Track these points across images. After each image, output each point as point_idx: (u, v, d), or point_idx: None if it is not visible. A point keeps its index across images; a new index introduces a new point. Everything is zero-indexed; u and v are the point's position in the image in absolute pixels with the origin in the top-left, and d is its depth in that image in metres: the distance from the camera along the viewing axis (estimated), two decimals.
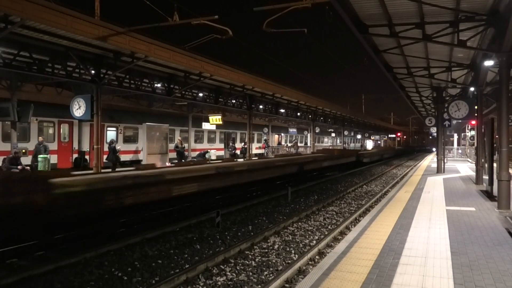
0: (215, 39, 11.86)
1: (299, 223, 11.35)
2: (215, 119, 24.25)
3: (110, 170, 14.48)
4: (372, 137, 70.65)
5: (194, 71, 16.44)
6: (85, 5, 14.77)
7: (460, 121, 23.98)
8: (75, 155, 18.98)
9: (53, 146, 18.12)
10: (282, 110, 30.39)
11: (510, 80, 10.20)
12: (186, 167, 14.96)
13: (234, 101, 24.18)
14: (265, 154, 33.15)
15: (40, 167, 15.24)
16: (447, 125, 20.77)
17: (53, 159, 17.36)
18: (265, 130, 37.14)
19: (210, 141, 29.87)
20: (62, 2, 10.32)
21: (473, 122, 20.69)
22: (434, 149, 47.49)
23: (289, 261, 7.88)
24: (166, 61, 14.09)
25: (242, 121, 30.39)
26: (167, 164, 19.62)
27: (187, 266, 7.52)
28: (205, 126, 27.27)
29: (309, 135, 42.91)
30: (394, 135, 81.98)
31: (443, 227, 7.42)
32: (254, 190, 17.73)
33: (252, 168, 18.15)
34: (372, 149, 57.06)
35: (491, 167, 11.04)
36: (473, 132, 26.74)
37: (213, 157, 24.61)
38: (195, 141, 27.87)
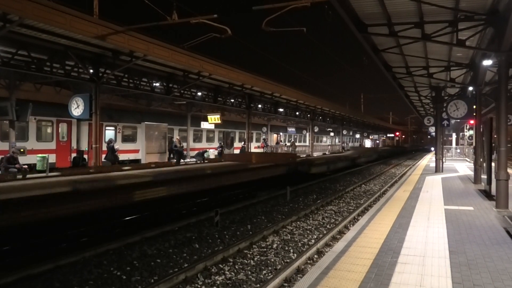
0: (214, 38, 11.85)
1: (298, 222, 11.35)
2: (214, 118, 24.26)
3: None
4: (370, 136, 70.63)
5: (193, 70, 16.45)
6: (84, 4, 14.77)
7: (458, 120, 24.01)
8: (74, 155, 18.96)
9: (52, 145, 18.10)
10: (281, 110, 30.41)
11: (509, 79, 10.22)
12: None
13: (233, 100, 24.19)
14: None
15: (39, 166, 15.22)
16: (445, 125, 20.79)
17: (52, 158, 17.34)
18: (264, 129, 37.15)
19: (208, 140, 29.87)
20: (61, 1, 10.31)
21: (472, 121, 20.72)
22: (432, 149, 47.54)
23: (288, 260, 7.88)
24: (165, 60, 14.10)
25: (241, 120, 30.40)
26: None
27: (186, 265, 7.52)
28: (204, 125, 27.27)
29: (307, 134, 42.94)
30: (392, 135, 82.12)
31: (441, 226, 7.43)
32: None
33: None
34: (333, 153, 36.86)
35: (489, 167, 11.06)
36: (471, 132, 26.79)
37: (212, 157, 24.61)
38: (194, 141, 27.87)
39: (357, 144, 65.61)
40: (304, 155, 31.03)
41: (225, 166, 17.22)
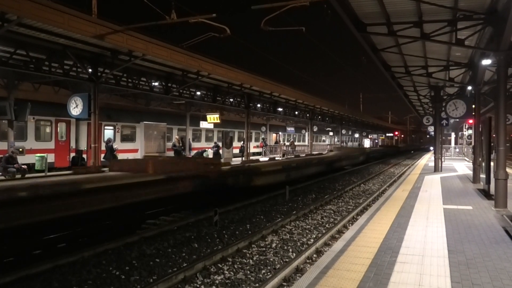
0: (213, 37, 11.83)
1: (297, 222, 11.35)
2: (213, 118, 24.22)
3: None
4: (370, 136, 70.65)
5: (192, 69, 16.43)
6: (83, 3, 14.74)
7: (457, 120, 24.04)
8: (73, 154, 18.93)
9: (50, 145, 18.07)
10: (280, 109, 30.40)
11: (508, 79, 10.23)
12: None
13: (232, 99, 24.18)
14: (263, 153, 33.17)
15: (37, 166, 15.21)
16: (444, 124, 20.83)
17: (51, 158, 17.31)
18: (263, 129, 37.14)
19: (208, 140, 29.86)
20: (59, 0, 10.28)
21: (471, 121, 20.74)
22: (431, 148, 47.50)
23: (287, 260, 7.88)
24: (164, 59, 14.07)
25: (240, 120, 30.38)
26: None
27: (185, 264, 7.52)
28: (203, 125, 27.24)
29: (307, 134, 42.95)
30: (391, 134, 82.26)
31: (440, 225, 7.44)
32: None
33: None
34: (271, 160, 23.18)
35: (488, 166, 11.07)
36: (470, 131, 26.82)
37: (211, 156, 24.57)
38: (193, 140, 27.86)
39: (356, 144, 65.47)
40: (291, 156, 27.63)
41: (76, 182, 10.16)
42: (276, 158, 23.75)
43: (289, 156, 28.95)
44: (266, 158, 25.63)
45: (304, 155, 30.11)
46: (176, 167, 13.77)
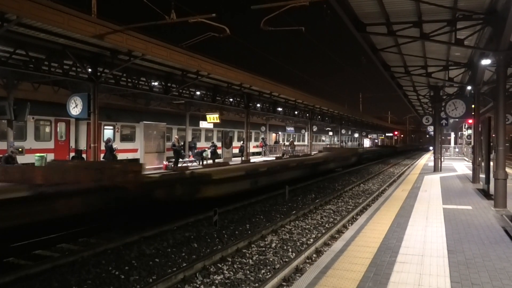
0: (212, 37, 11.83)
1: (297, 222, 11.36)
2: (212, 118, 24.20)
3: None
4: (369, 136, 70.62)
5: (191, 69, 16.42)
6: (83, 3, 14.73)
7: (457, 120, 24.05)
8: (72, 154, 18.92)
9: (50, 144, 18.06)
10: (280, 109, 30.41)
11: (508, 78, 10.23)
12: None
13: (231, 99, 24.17)
14: (263, 153, 33.18)
15: (37, 165, 15.19)
16: (444, 124, 20.84)
17: (50, 157, 17.30)
18: (263, 128, 37.15)
19: (207, 139, 29.87)
20: (59, 0, 10.27)
21: (470, 121, 20.75)
22: (431, 148, 47.49)
23: (287, 260, 7.89)
24: (163, 59, 14.07)
25: (240, 120, 30.39)
26: (164, 163, 19.61)
27: (184, 264, 7.51)
28: (203, 124, 27.24)
29: (306, 133, 42.97)
30: (391, 134, 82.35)
31: (440, 225, 7.44)
32: None
33: None
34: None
35: (487, 166, 11.08)
36: (470, 131, 26.83)
37: (210, 156, 24.57)
38: (192, 140, 27.85)
39: (355, 144, 65.41)
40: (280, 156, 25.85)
41: None
42: (262, 159, 23.72)
43: (266, 157, 27.80)
44: (267, 158, 25.63)
45: (287, 156, 28.48)
46: (75, 176, 10.10)
